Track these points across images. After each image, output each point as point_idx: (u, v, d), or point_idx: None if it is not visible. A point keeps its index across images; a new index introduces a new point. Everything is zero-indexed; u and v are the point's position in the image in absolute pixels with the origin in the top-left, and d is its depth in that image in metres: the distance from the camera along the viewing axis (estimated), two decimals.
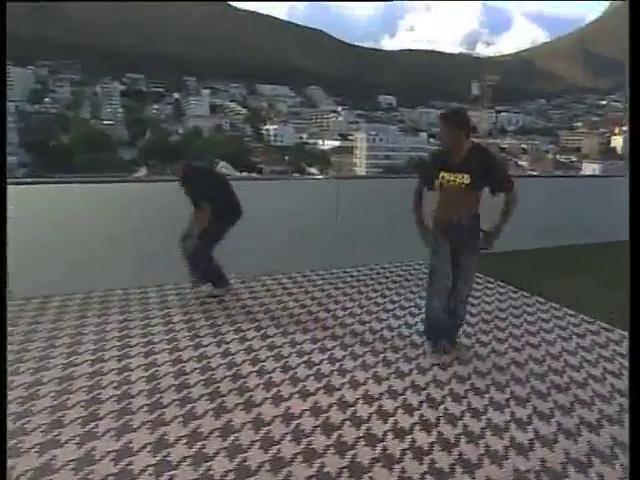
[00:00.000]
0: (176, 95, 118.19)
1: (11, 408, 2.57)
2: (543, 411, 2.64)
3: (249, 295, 4.38)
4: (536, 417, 2.58)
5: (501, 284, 4.83)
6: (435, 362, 3.15)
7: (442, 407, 2.65)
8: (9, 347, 3.22)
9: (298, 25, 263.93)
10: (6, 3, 2.32)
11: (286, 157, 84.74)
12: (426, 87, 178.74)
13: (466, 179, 2.91)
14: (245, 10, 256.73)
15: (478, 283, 4.80)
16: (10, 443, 2.28)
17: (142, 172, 54.04)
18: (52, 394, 2.74)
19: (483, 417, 2.58)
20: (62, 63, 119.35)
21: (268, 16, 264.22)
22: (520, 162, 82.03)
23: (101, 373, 2.97)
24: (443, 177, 2.97)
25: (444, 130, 2.95)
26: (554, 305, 4.29)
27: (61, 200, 4.64)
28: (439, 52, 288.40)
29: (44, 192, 4.80)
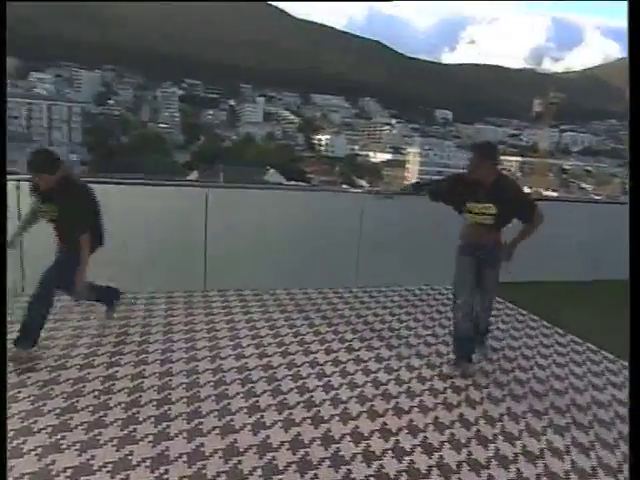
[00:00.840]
0: (231, 102, 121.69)
1: None
2: (557, 472, 2.32)
3: (258, 308, 4.25)
4: (546, 479, 2.27)
5: (534, 317, 4.46)
6: (451, 373, 3.20)
7: (437, 455, 2.39)
8: None
9: (356, 35, 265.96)
10: (6, 3, 2.32)
11: (336, 168, 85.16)
12: (486, 103, 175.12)
13: (492, 210, 2.99)
14: (303, 19, 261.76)
15: (507, 314, 4.46)
16: None
17: (194, 175, 55.87)
18: (31, 398, 2.68)
19: (484, 471, 2.29)
20: (126, 67, 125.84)
21: (326, 25, 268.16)
22: (583, 185, 78.48)
23: (86, 380, 2.90)
24: (470, 210, 3.09)
25: (475, 159, 3.02)
26: (591, 347, 3.89)
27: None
28: (501, 67, 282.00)
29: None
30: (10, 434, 2.36)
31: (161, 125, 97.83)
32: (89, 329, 3.61)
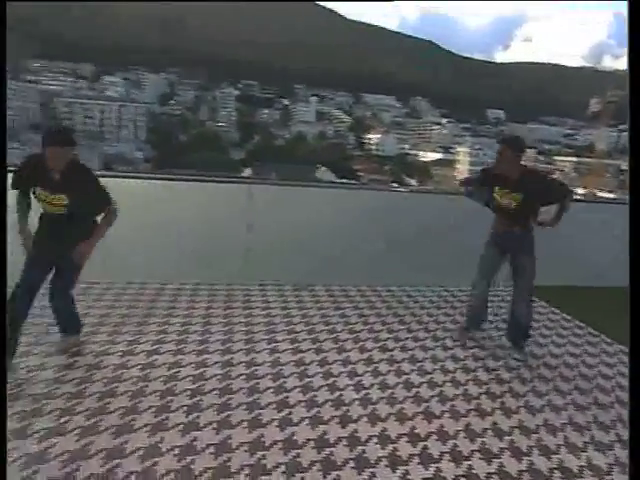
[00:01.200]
0: (285, 101, 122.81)
1: None
2: None
3: (295, 304, 4.20)
4: None
5: (580, 324, 4.16)
6: (456, 339, 3.33)
7: (466, 464, 2.24)
8: None
9: (408, 35, 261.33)
10: (6, 3, 2.27)
11: (386, 167, 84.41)
12: (540, 102, 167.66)
13: (517, 199, 3.01)
14: (354, 20, 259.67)
15: (551, 320, 4.19)
16: None
17: (248, 172, 56.94)
18: (75, 381, 2.76)
19: None
20: (188, 70, 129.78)
21: (378, 26, 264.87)
22: None
23: (126, 367, 2.95)
24: (496, 198, 3.09)
25: (503, 154, 3.01)
26: None
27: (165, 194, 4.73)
28: (558, 65, 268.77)
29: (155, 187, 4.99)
30: (56, 413, 2.43)
31: (218, 124, 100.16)
32: (135, 317, 3.69)
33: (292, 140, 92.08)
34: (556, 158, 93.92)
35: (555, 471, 2.23)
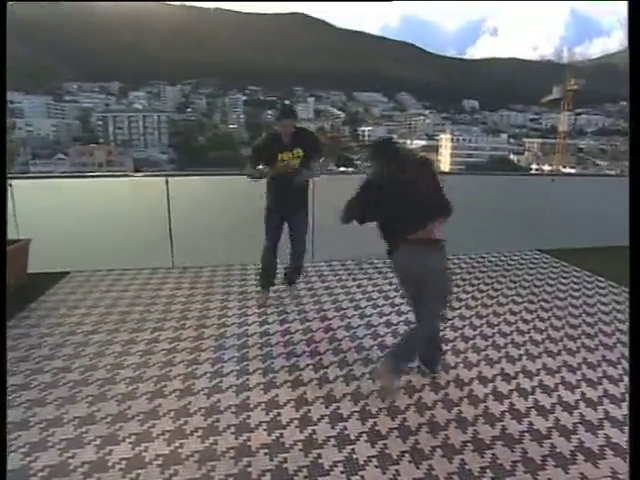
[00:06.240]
0: (286, 102, 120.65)
1: None
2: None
3: (363, 276, 4.16)
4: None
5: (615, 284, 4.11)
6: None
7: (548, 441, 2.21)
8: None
9: (390, 39, 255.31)
10: (6, 3, 2.03)
11: None
12: (508, 92, 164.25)
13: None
14: (343, 29, 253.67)
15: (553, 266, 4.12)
16: None
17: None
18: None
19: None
20: (201, 81, 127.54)
21: (363, 33, 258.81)
22: (598, 162, 72.85)
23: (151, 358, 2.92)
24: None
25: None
26: None
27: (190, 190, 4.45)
28: (522, 59, 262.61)
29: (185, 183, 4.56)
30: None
31: (230, 126, 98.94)
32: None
33: None
34: (525, 140, 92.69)
35: None
